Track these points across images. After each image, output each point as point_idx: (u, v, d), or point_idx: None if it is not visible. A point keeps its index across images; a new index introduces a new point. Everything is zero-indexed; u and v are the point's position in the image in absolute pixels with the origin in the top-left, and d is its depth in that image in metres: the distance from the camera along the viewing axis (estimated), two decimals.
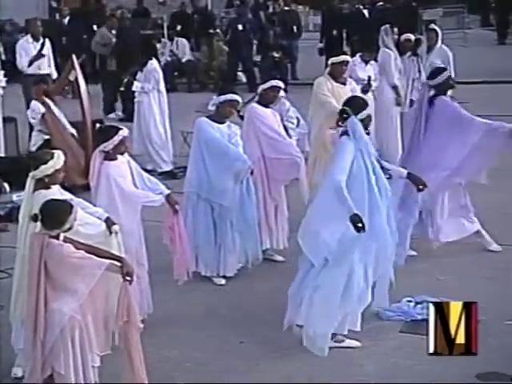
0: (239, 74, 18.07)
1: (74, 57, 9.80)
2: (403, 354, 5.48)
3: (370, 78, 10.51)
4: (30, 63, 11.38)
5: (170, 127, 11.19)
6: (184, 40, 18.45)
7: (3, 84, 10.76)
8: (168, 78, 14.25)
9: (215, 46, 18.79)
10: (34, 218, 4.81)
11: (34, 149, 10.11)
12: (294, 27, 18.61)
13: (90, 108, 10.02)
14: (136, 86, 11.00)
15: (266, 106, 7.54)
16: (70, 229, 4.82)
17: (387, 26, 11.34)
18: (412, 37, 11.17)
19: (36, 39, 11.35)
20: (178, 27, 19.27)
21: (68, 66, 9.74)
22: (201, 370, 5.54)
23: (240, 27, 17.72)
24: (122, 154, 6.11)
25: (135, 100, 11.16)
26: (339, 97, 7.98)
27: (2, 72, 11.14)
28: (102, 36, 15.39)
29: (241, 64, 18.02)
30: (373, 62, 10.77)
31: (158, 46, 16.59)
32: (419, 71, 10.92)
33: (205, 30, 19.41)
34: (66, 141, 9.89)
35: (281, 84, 7.65)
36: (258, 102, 7.55)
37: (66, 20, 18.28)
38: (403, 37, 11.22)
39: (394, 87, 10.77)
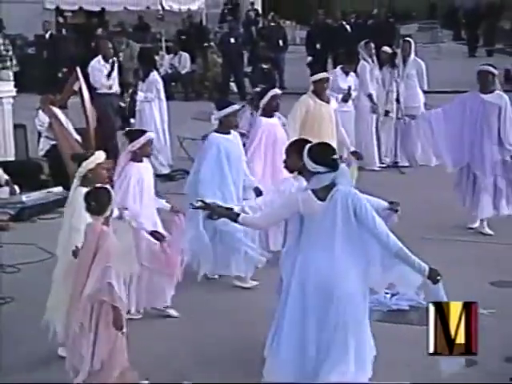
0: (231, 84, 18.04)
1: (78, 69, 9.77)
2: (379, 341, 5.50)
3: (350, 88, 10.59)
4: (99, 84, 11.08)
5: (169, 133, 11.17)
6: (186, 54, 18.45)
7: (13, 94, 10.71)
8: (166, 87, 14.22)
9: (209, 58, 18.83)
10: None
11: (41, 153, 10.15)
12: (281, 41, 18.63)
13: (93, 116, 9.99)
14: (139, 95, 10.97)
15: (271, 116, 7.38)
16: (110, 216, 4.82)
17: (365, 40, 11.41)
18: (389, 50, 11.22)
19: (106, 60, 11.23)
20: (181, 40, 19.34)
21: (72, 78, 9.74)
22: None
23: (232, 40, 17.75)
24: (147, 156, 6.11)
25: (136, 108, 11.09)
26: (322, 114, 7.92)
27: (13, 83, 11.11)
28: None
29: (233, 75, 18.02)
30: (353, 73, 10.84)
31: (157, 58, 16.55)
32: (396, 82, 10.94)
33: (200, 44, 19.45)
34: (71, 146, 9.86)
35: (278, 91, 7.53)
36: (263, 115, 7.37)
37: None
38: (381, 50, 11.25)
39: (370, 96, 10.82)
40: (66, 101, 10.01)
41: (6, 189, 9.05)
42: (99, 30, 15.93)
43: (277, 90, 7.53)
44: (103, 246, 4.62)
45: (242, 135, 10.19)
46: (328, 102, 8.17)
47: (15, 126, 10.64)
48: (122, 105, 11.29)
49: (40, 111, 9.94)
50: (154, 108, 10.94)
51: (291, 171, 4.93)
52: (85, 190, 4.96)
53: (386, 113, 11.00)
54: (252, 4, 25.03)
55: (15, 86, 11.04)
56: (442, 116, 8.08)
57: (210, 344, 5.69)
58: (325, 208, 4.47)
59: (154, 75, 11.15)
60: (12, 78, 11.48)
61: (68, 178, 9.64)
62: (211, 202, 5.03)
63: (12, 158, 10.25)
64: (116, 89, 11.21)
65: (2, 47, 15.15)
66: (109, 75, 11.05)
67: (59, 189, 9.29)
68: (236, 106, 6.88)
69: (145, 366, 5.11)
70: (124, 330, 4.67)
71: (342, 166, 4.67)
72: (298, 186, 5.15)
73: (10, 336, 5.79)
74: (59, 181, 9.51)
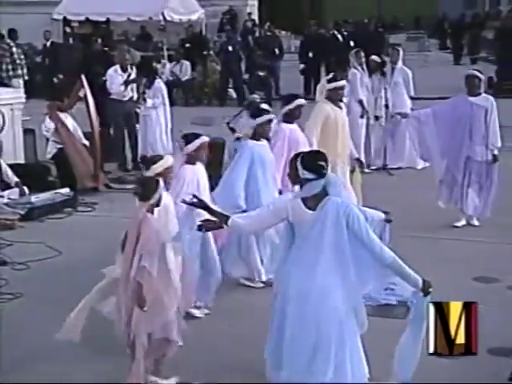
0: (230, 90, 18.04)
1: (83, 77, 9.79)
2: (368, 334, 5.50)
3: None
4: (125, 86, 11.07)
5: (172, 137, 11.15)
6: (187, 62, 18.47)
7: (23, 100, 10.72)
8: (168, 94, 14.23)
9: (209, 65, 18.82)
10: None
11: (49, 156, 10.15)
12: (276, 50, 18.62)
13: (97, 120, 10.03)
14: (148, 102, 10.93)
15: (291, 123, 7.12)
16: (157, 205, 4.78)
17: (355, 49, 11.43)
18: (377, 58, 11.23)
19: (123, 69, 11.14)
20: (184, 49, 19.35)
21: (78, 85, 9.76)
22: None
23: (230, 49, 17.76)
24: (201, 159, 6.02)
25: (141, 114, 11.05)
26: (338, 121, 7.70)
27: (23, 90, 11.11)
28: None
29: (231, 81, 18.02)
30: (344, 80, 10.83)
31: (158, 66, 16.56)
32: (384, 88, 10.96)
33: (200, 52, 19.46)
34: (77, 150, 9.94)
35: (304, 101, 7.21)
36: (285, 121, 7.10)
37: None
38: (370, 58, 11.26)
39: (360, 102, 10.83)
40: (72, 106, 10.04)
41: (16, 190, 9.07)
42: (99, 42, 15.86)
43: (302, 100, 7.25)
44: (144, 232, 4.61)
45: (238, 139, 10.27)
46: (341, 108, 7.98)
47: (24, 131, 10.67)
48: (138, 110, 11.24)
49: (47, 117, 9.95)
50: (159, 113, 10.96)
51: (294, 183, 4.63)
52: None
53: (376, 118, 11.03)
54: (249, 14, 25.07)
55: (25, 92, 11.06)
56: (431, 115, 8.14)
57: (211, 344, 5.61)
58: (314, 217, 4.25)
59: (159, 82, 11.20)
60: (22, 85, 11.46)
61: (74, 180, 9.74)
62: (202, 200, 4.83)
63: (22, 161, 10.27)
64: (132, 95, 11.13)
65: (16, 56, 15.15)
66: (125, 83, 11.02)
67: (66, 190, 9.30)
68: (271, 116, 6.70)
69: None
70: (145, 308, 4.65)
71: (332, 175, 4.44)
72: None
73: (19, 329, 5.81)
74: (66, 182, 9.56)
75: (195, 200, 4.77)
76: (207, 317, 6.07)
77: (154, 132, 10.99)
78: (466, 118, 7.85)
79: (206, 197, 5.74)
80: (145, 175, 4.93)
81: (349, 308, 4.33)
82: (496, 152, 8.00)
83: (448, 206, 8.20)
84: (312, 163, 4.31)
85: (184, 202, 4.87)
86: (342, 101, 8.04)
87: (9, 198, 8.88)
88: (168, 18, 19.59)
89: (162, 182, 4.84)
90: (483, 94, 8.07)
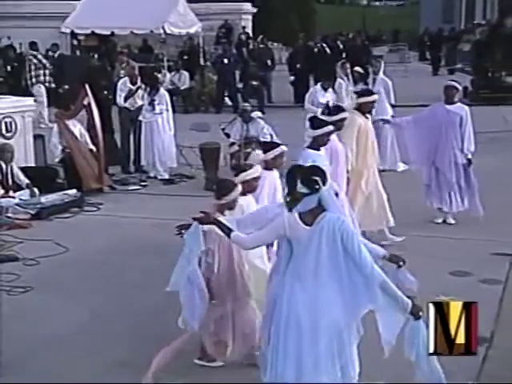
0: (225, 98, 18.05)
1: (87, 86, 9.81)
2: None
3: (328, 102, 10.60)
4: (125, 99, 11.06)
5: (175, 142, 11.08)
6: (186, 72, 18.48)
7: (33, 108, 10.74)
8: None
9: (206, 75, 18.84)
10: None
11: (57, 160, 10.17)
12: (269, 61, 18.65)
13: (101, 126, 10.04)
14: (157, 109, 10.78)
15: (318, 149, 6.48)
16: (230, 208, 4.77)
17: (341, 61, 11.49)
18: (360, 70, 11.27)
19: (132, 83, 11.10)
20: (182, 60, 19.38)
21: (82, 94, 9.78)
22: None
23: (225, 61, 17.77)
24: (278, 167, 5.82)
25: (146, 120, 10.89)
26: (368, 130, 7.45)
27: (33, 99, 11.13)
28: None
29: (227, 90, 18.04)
30: (331, 89, 10.89)
31: (159, 75, 16.54)
32: None
33: (197, 63, 19.49)
34: (82, 154, 9.95)
35: (332, 128, 6.50)
36: (310, 147, 6.47)
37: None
38: (354, 69, 11.30)
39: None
40: (77, 114, 10.06)
41: (27, 191, 9.05)
42: (95, 58, 15.97)
43: (331, 128, 6.55)
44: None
45: (233, 144, 10.30)
46: (367, 117, 7.66)
47: (35, 137, 10.65)
48: (141, 118, 11.19)
49: (55, 124, 9.98)
50: (164, 119, 10.90)
51: (289, 195, 4.35)
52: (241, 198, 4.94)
53: None
54: (243, 28, 25.10)
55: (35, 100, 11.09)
56: (412, 122, 8.18)
57: None
58: (311, 233, 4.02)
59: (162, 90, 11.18)
60: (45, 93, 11.32)
61: (81, 182, 9.74)
62: (207, 213, 4.55)
63: (32, 165, 10.25)
64: (140, 103, 11.04)
65: (40, 65, 15.22)
66: (132, 95, 11.00)
67: (73, 191, 9.28)
68: (330, 128, 6.39)
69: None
70: None
71: (327, 190, 4.11)
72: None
73: (30, 319, 5.83)
74: (73, 184, 9.54)
75: (203, 215, 4.55)
76: None
77: (160, 137, 10.87)
78: (442, 124, 7.90)
79: (277, 199, 5.51)
80: (224, 178, 4.93)
81: (347, 321, 4.09)
82: (470, 156, 8.05)
83: (438, 206, 8.21)
84: (307, 177, 4.08)
85: (194, 218, 4.65)
86: (370, 113, 7.70)
87: (20, 199, 8.86)
88: (168, 32, 19.58)
89: (239, 187, 4.82)
90: (459, 103, 8.14)
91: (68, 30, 19.91)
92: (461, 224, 8.10)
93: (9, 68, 17.02)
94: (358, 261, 3.97)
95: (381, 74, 11.39)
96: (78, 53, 19.90)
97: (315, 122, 6.49)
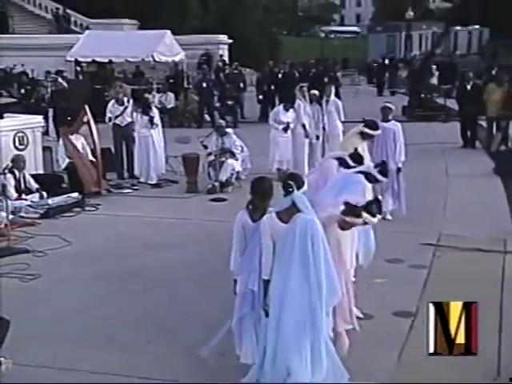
0: (205, 115, 18.08)
1: (86, 106, 9.82)
2: None
3: (288, 123, 10.76)
4: (113, 119, 10.96)
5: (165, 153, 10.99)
6: (172, 94, 18.47)
7: (42, 124, 10.68)
8: None
9: (189, 96, 18.81)
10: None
11: (62, 168, 10.15)
12: (241, 84, 18.70)
13: (99, 140, 10.00)
14: (155, 124, 10.73)
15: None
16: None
17: (300, 85, 11.56)
18: (316, 92, 11.33)
19: (118, 103, 11.02)
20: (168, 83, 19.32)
21: (82, 112, 9.79)
22: None
23: (205, 85, 17.75)
24: None
25: (141, 135, 10.73)
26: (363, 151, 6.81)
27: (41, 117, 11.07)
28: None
29: (206, 109, 18.05)
30: (291, 109, 10.95)
31: (149, 96, 16.51)
32: (322, 115, 11.10)
33: (181, 86, 19.45)
34: (83, 163, 9.94)
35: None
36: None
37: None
38: (311, 92, 11.38)
39: (303, 126, 10.91)
40: (78, 130, 10.04)
41: (37, 194, 9.01)
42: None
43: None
44: None
45: (210, 154, 10.37)
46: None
47: (43, 148, 10.62)
48: (135, 134, 11.11)
49: (60, 139, 9.98)
50: (156, 134, 10.79)
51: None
52: None
53: (317, 137, 11.13)
54: (221, 56, 25.07)
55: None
56: None
57: None
58: (287, 230, 3.89)
59: (155, 109, 11.14)
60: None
61: (82, 186, 9.73)
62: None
63: (41, 172, 10.21)
64: (129, 121, 10.97)
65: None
66: (120, 115, 10.95)
67: (76, 194, 9.26)
68: None
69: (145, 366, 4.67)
70: None
71: (300, 194, 3.97)
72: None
73: (38, 302, 5.83)
74: (75, 188, 9.52)
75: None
76: None
77: (155, 148, 10.77)
78: (380, 138, 7.89)
79: None
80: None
81: (320, 312, 3.94)
82: (400, 165, 8.08)
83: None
84: (284, 182, 4.04)
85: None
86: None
87: (31, 201, 8.83)
88: (157, 59, 19.59)
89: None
90: (392, 121, 8.21)
91: (72, 58, 19.87)
92: (395, 220, 8.11)
93: (22, 91, 16.87)
94: (317, 264, 3.86)
95: (332, 96, 11.52)
96: (80, 77, 19.81)
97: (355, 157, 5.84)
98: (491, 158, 12.06)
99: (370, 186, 5.31)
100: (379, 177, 5.41)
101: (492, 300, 5.59)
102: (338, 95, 15.91)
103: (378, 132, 7.32)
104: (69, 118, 10.26)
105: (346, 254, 4.67)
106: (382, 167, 5.51)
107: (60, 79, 16.11)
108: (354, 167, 5.49)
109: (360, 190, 4.86)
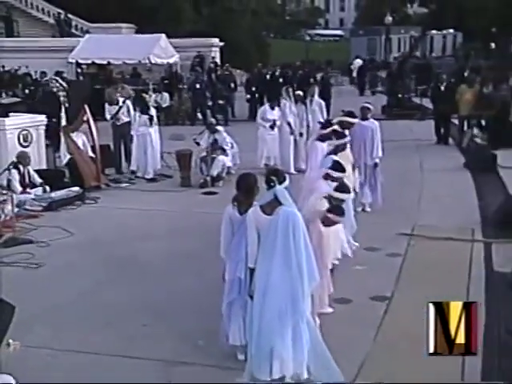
0: (198, 114, 18.04)
1: (85, 105, 9.80)
2: None
3: (275, 120, 10.78)
4: (112, 118, 10.91)
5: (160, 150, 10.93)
6: (167, 94, 18.39)
7: (45, 123, 10.57)
8: None
9: (182, 96, 18.73)
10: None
11: (63, 164, 10.12)
12: (232, 84, 18.65)
13: (98, 137, 9.97)
14: (154, 122, 10.66)
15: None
16: None
17: (286, 86, 11.57)
18: (301, 93, 11.34)
19: (111, 104, 10.94)
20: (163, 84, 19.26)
21: (82, 111, 9.76)
22: None
23: (197, 86, 17.68)
24: None
25: (139, 133, 10.61)
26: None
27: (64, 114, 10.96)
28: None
29: (199, 108, 18.01)
30: (277, 108, 10.98)
31: (146, 96, 16.46)
32: (306, 114, 11.13)
33: (176, 86, 19.39)
34: (83, 159, 9.91)
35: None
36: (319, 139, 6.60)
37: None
38: (296, 92, 11.40)
39: (289, 124, 10.92)
40: (78, 128, 10.00)
41: (40, 188, 8.98)
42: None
43: (336, 126, 6.65)
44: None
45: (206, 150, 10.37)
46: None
47: (46, 145, 10.58)
48: (133, 132, 11.01)
49: (62, 138, 9.96)
50: (154, 132, 10.71)
51: None
52: None
53: (301, 134, 11.16)
54: (213, 58, 24.95)
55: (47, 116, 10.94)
56: None
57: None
58: (270, 222, 3.89)
59: (152, 108, 11.08)
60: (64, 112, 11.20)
61: (82, 181, 9.71)
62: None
63: (44, 167, 10.18)
64: (125, 120, 10.90)
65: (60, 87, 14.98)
66: (116, 114, 10.88)
67: (76, 188, 9.24)
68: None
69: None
70: None
71: (281, 188, 3.98)
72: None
73: (41, 288, 5.84)
74: (76, 183, 9.50)
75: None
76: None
77: (153, 145, 10.69)
78: (358, 135, 7.90)
79: None
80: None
81: (301, 297, 3.93)
82: (377, 160, 8.08)
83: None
84: (267, 177, 4.03)
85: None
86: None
87: (35, 195, 8.80)
88: (153, 61, 19.56)
89: None
90: (371, 119, 8.18)
91: (74, 60, 19.78)
92: (374, 212, 8.14)
93: (26, 91, 16.75)
94: (299, 253, 3.86)
95: (316, 96, 11.54)
96: (81, 78, 19.70)
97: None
98: (462, 153, 12.14)
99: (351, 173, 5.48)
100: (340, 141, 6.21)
101: (460, 284, 5.68)
102: (329, 95, 16.05)
103: (356, 120, 7.38)
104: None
105: (327, 250, 4.68)
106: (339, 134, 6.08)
107: (54, 80, 15.94)
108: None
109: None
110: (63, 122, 10.08)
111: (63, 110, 10.39)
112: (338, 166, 5.18)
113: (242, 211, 4.24)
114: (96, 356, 4.59)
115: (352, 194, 5.16)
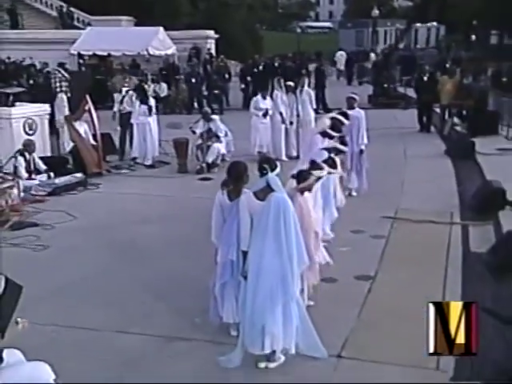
0: (194, 103, 17.94)
1: (87, 95, 9.74)
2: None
3: (267, 109, 10.75)
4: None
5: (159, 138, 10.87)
6: (164, 84, 18.27)
7: (49, 112, 10.51)
8: None
9: (179, 86, 18.59)
10: None
11: (67, 151, 10.10)
12: (227, 75, 18.55)
13: (99, 126, 9.91)
14: (153, 111, 10.59)
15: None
16: (309, 190, 4.60)
17: (277, 77, 11.52)
18: (291, 83, 11.28)
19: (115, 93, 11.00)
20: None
21: (84, 101, 9.70)
22: None
23: (193, 80, 17.56)
24: None
25: (138, 122, 10.50)
26: None
27: (67, 104, 10.87)
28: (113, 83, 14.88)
29: (195, 97, 17.91)
30: (269, 98, 10.94)
31: (146, 86, 16.34)
32: (296, 103, 11.08)
33: (173, 77, 19.26)
34: (85, 146, 9.87)
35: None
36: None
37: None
38: (287, 83, 11.34)
39: (280, 113, 10.89)
40: (80, 117, 9.94)
41: (45, 175, 8.96)
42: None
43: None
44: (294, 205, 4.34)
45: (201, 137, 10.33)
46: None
47: (51, 133, 10.53)
48: (132, 120, 10.84)
49: (65, 125, 9.90)
50: (153, 121, 10.66)
51: None
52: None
53: (291, 123, 11.13)
54: (208, 49, 24.73)
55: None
56: None
57: None
58: (262, 207, 3.91)
59: (151, 98, 11.01)
60: (66, 102, 11.05)
61: (85, 167, 9.68)
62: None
63: (48, 154, 10.15)
64: (128, 109, 10.79)
65: (62, 78, 14.85)
66: (121, 103, 10.84)
67: (79, 174, 9.22)
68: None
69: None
70: None
71: (273, 176, 3.98)
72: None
73: (47, 269, 5.85)
74: (79, 169, 9.47)
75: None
76: None
77: (152, 133, 10.63)
78: (346, 125, 7.97)
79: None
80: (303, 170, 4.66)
81: (290, 278, 3.94)
82: (363, 147, 8.08)
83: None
84: (259, 164, 4.05)
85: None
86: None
87: (40, 180, 8.79)
88: (151, 53, 19.39)
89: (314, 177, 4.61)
90: (357, 109, 8.16)
91: (75, 52, 19.58)
92: (359, 196, 8.17)
93: (31, 81, 16.60)
94: (288, 238, 3.86)
95: (305, 86, 11.48)
96: (83, 69, 19.53)
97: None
98: (443, 141, 12.17)
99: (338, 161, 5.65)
100: (341, 147, 6.14)
101: (439, 264, 5.74)
102: (323, 85, 15.95)
103: (347, 122, 7.36)
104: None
105: (310, 216, 4.63)
106: (341, 139, 6.25)
107: (57, 71, 15.79)
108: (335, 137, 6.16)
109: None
110: (56, 112, 10.02)
111: (58, 99, 10.31)
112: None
113: (232, 198, 4.26)
114: (98, 332, 4.63)
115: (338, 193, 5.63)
